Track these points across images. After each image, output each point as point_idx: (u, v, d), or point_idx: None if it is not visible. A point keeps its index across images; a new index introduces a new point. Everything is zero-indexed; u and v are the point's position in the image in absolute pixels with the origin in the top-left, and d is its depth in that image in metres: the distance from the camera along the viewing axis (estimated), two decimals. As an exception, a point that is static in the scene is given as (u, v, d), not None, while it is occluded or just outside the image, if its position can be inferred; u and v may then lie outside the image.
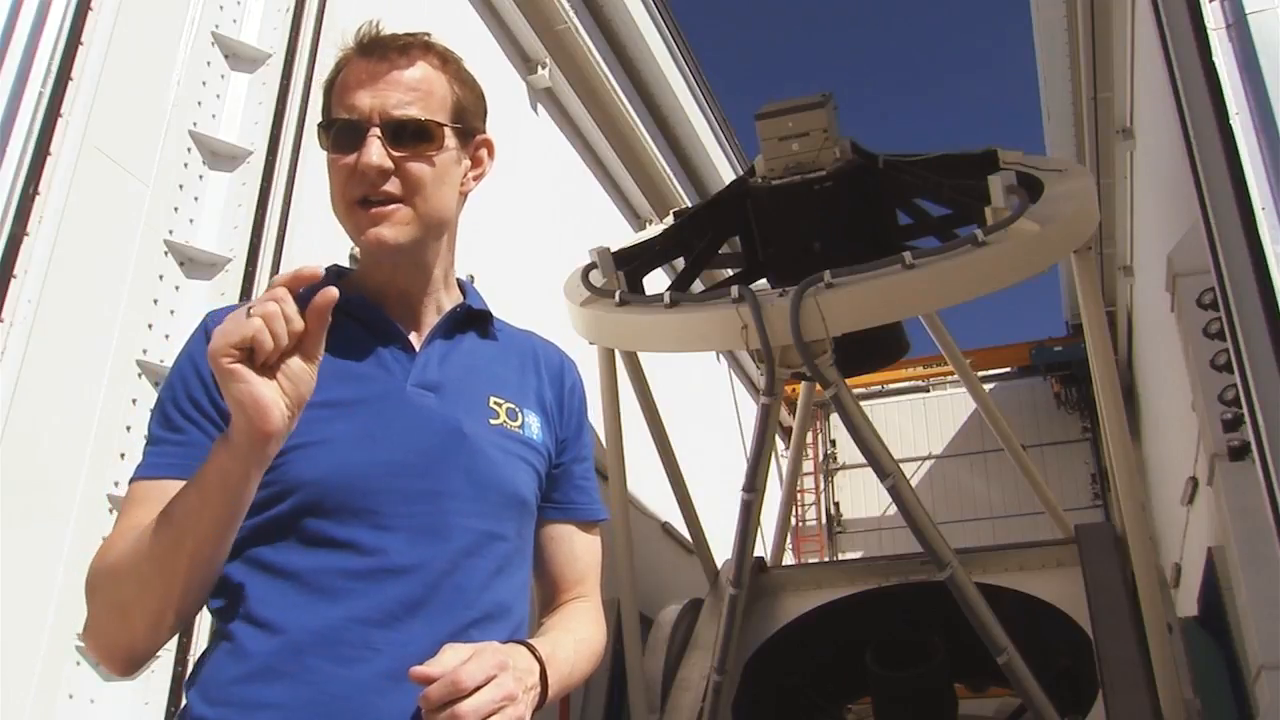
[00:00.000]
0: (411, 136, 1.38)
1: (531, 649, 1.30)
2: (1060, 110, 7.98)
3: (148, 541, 1.21)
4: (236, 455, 1.16)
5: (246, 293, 3.12)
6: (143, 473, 1.33)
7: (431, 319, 1.48)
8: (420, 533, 1.29)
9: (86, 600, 1.28)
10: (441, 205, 1.43)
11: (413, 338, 1.45)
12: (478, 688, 1.15)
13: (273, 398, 1.14)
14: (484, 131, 1.51)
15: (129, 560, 1.22)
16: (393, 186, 1.37)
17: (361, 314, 1.44)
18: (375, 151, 1.35)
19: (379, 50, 1.40)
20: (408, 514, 1.30)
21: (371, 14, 1.45)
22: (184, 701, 1.35)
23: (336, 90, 1.43)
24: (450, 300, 1.52)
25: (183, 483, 1.27)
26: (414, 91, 1.39)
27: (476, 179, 1.51)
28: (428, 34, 1.46)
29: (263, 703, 1.21)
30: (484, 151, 1.51)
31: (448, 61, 1.45)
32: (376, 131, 1.36)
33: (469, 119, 1.46)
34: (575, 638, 1.44)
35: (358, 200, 1.38)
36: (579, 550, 1.56)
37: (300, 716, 1.20)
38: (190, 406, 1.34)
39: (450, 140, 1.42)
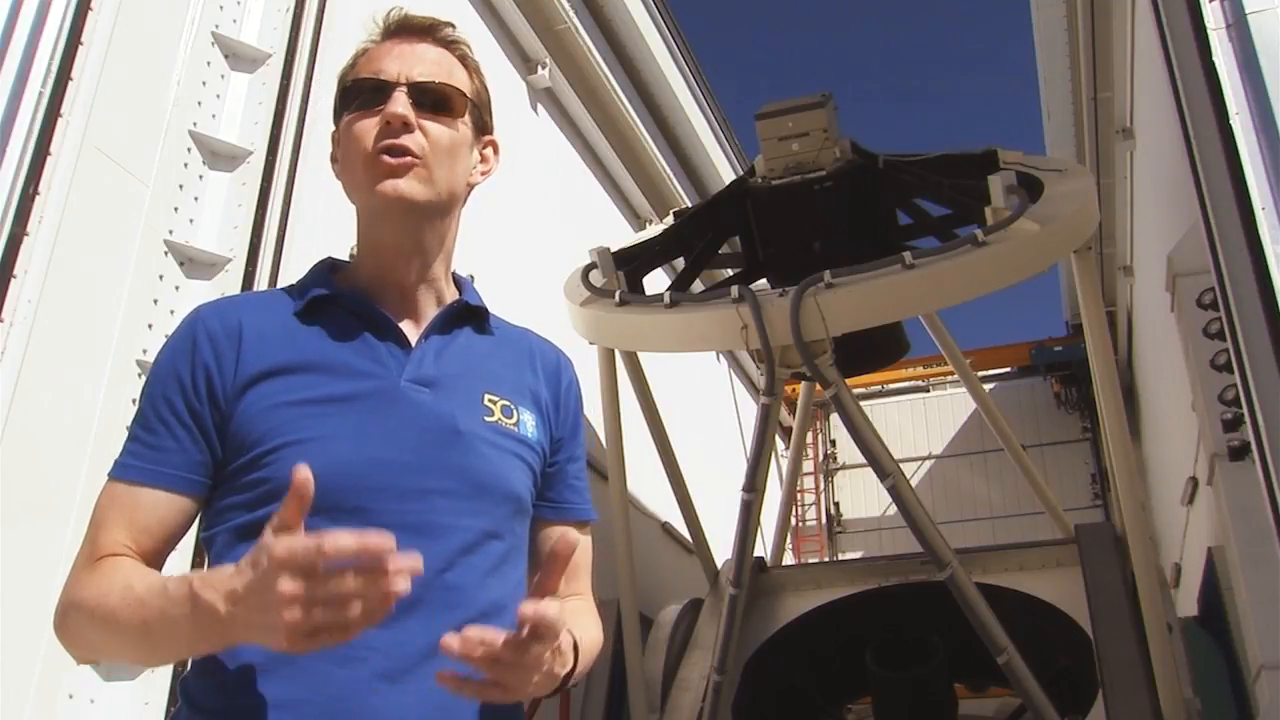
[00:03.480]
0: (436, 101, 1.42)
1: (572, 635, 1.30)
2: (1060, 110, 7.97)
3: (119, 635, 1.22)
4: (203, 638, 1.14)
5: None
6: (116, 473, 1.35)
7: (428, 314, 1.48)
8: (412, 531, 1.27)
9: (64, 629, 1.29)
10: (455, 177, 1.45)
11: (409, 333, 1.44)
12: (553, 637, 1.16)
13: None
14: (492, 132, 1.54)
15: (103, 637, 1.24)
16: (413, 143, 1.39)
17: (357, 308, 1.43)
18: (401, 103, 1.38)
19: (406, 29, 1.45)
20: (400, 512, 1.29)
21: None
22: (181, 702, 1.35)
23: (358, 66, 1.46)
24: (447, 296, 1.51)
25: (150, 489, 1.31)
26: (439, 67, 1.44)
27: (483, 175, 1.53)
28: (451, 24, 1.50)
29: (259, 703, 1.21)
30: (490, 150, 1.54)
31: (467, 57, 1.50)
32: (404, 89, 1.39)
33: (483, 112, 1.51)
34: (588, 636, 1.44)
35: (377, 152, 1.38)
36: None
37: (295, 716, 1.20)
38: (165, 409, 1.34)
39: (468, 119, 1.46)
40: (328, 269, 1.52)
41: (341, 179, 1.48)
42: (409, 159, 1.38)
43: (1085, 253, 4.39)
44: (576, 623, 1.46)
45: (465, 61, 1.49)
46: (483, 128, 1.51)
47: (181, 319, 1.44)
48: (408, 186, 1.38)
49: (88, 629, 1.25)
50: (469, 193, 1.51)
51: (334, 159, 1.50)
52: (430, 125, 1.40)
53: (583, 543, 1.58)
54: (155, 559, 1.33)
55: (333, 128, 1.51)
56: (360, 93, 1.42)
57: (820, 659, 5.24)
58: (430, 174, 1.40)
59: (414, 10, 1.51)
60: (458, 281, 1.56)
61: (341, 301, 1.44)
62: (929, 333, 6.47)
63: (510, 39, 5.94)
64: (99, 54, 2.79)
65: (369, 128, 1.39)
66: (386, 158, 1.38)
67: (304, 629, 1.04)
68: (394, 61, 1.42)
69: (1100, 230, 6.80)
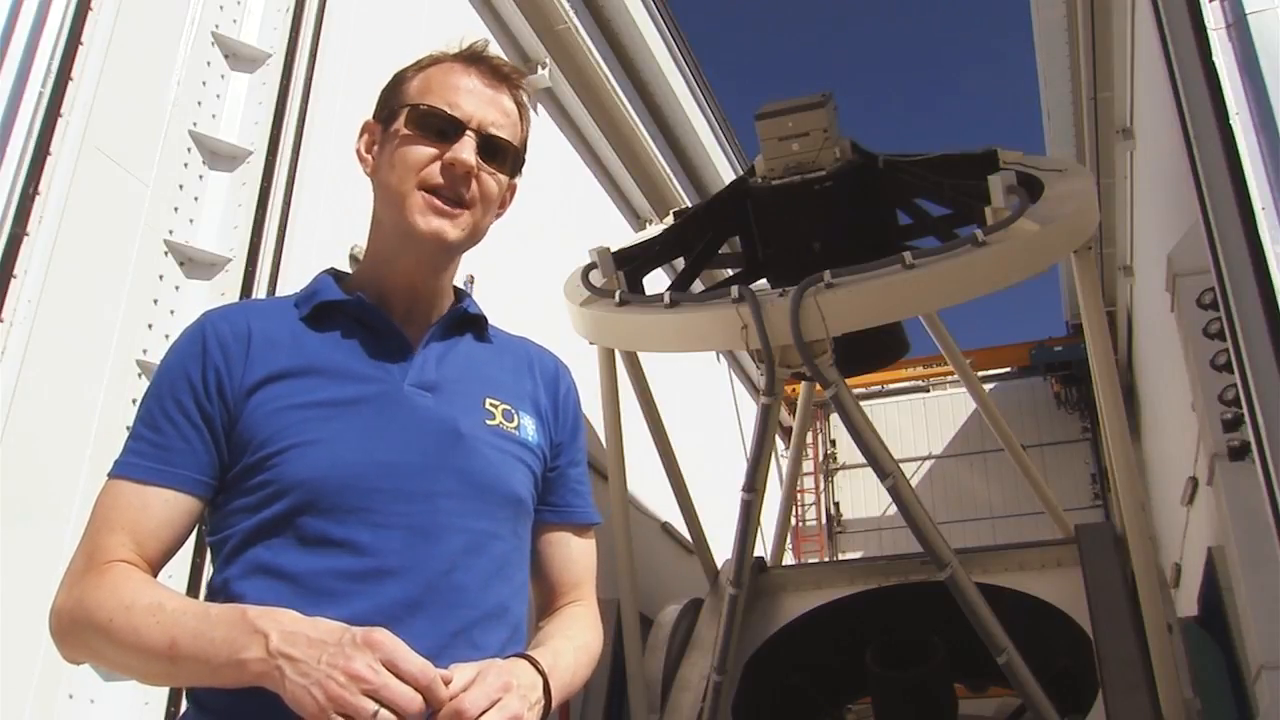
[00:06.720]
0: (497, 154, 1.46)
1: (534, 662, 1.30)
2: (1060, 110, 7.97)
3: (136, 650, 1.22)
4: (231, 675, 1.17)
5: (246, 293, 3.12)
6: (118, 471, 1.34)
7: (430, 320, 1.50)
8: (416, 533, 1.30)
9: (69, 635, 1.28)
10: (488, 222, 1.50)
11: (411, 339, 1.46)
12: (482, 713, 1.16)
13: None
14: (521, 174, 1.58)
15: (117, 650, 1.24)
16: (471, 191, 1.43)
17: (361, 314, 1.45)
18: (470, 150, 1.42)
19: (487, 67, 1.48)
20: (404, 514, 1.30)
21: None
22: (184, 704, 1.35)
23: (430, 82, 1.47)
24: (448, 303, 1.53)
25: (159, 489, 1.31)
26: (507, 118, 1.48)
27: (497, 216, 1.55)
28: (521, 71, 1.55)
29: (265, 702, 1.21)
30: (509, 194, 1.57)
31: (524, 105, 1.54)
32: (474, 136, 1.43)
33: (522, 160, 1.55)
34: (575, 645, 1.44)
35: (432, 188, 1.42)
36: (575, 554, 1.56)
37: (302, 715, 1.20)
38: (175, 409, 1.35)
39: (512, 171, 1.51)
40: (333, 276, 1.53)
41: (374, 180, 1.49)
42: (458, 209, 1.42)
43: (1085, 253, 4.39)
44: (572, 631, 1.47)
45: (523, 110, 1.54)
46: (516, 173, 1.55)
47: (189, 323, 1.45)
48: (453, 231, 1.42)
49: (99, 640, 1.24)
50: None
51: (360, 154, 1.51)
52: (486, 178, 1.44)
53: (586, 547, 1.59)
54: (158, 564, 1.33)
55: (366, 119, 1.52)
56: (429, 120, 1.43)
57: (820, 659, 5.25)
58: (474, 220, 1.45)
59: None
60: (456, 290, 1.58)
61: (346, 308, 1.46)
62: (929, 333, 6.47)
63: (510, 39, 5.94)
64: (99, 54, 2.79)
65: (427, 156, 1.42)
66: (442, 199, 1.41)
67: (337, 708, 1.08)
68: (469, 99, 1.44)
69: (1100, 230, 6.82)
